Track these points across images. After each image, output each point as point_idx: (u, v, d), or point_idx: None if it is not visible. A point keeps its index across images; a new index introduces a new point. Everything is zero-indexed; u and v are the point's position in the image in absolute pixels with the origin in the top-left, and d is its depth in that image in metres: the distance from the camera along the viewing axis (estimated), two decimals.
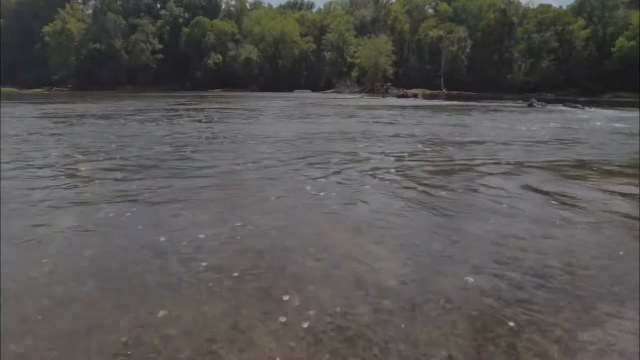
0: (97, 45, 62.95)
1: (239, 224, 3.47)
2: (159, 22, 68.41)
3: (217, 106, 21.52)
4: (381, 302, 2.26)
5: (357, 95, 42.67)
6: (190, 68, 64.66)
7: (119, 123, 12.37)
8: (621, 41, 46.60)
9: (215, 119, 13.99)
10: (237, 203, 4.14)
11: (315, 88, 57.68)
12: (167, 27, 68.62)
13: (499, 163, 6.27)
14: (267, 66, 63.65)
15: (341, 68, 60.16)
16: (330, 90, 55.79)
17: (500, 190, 4.64)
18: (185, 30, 66.35)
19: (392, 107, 22.21)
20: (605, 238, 3.27)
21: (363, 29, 64.05)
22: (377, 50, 55.18)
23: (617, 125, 13.24)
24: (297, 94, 47.74)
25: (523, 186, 4.84)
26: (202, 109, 18.83)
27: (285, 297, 2.32)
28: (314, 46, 63.71)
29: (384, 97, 37.53)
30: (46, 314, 2.15)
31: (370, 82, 55.93)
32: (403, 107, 21.75)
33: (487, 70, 54.72)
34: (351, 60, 60.01)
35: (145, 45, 63.58)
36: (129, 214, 3.74)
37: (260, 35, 63.89)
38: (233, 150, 7.39)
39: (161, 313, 2.16)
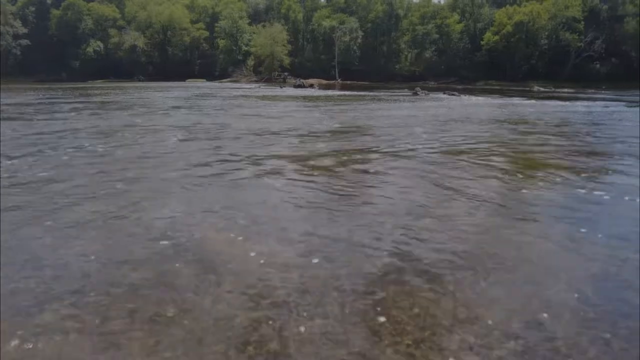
0: None
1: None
2: (20, 2, 59.61)
3: (83, 101, 19.39)
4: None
5: (254, 85, 41.92)
6: (66, 56, 57.70)
7: None
8: (488, 36, 52.36)
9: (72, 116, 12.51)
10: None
11: (210, 77, 55.43)
12: (32, 8, 60.10)
13: (393, 148, 6.48)
14: (155, 54, 59.44)
15: (236, 56, 58.58)
16: (226, 80, 54.09)
17: (393, 172, 4.75)
18: (56, 12, 58.78)
19: (291, 97, 22.16)
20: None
21: (257, 17, 63.04)
22: (272, 39, 54.80)
23: (489, 109, 14.78)
24: (190, 83, 45.38)
25: (409, 168, 5.02)
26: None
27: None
28: (206, 33, 61.00)
29: (281, 87, 37.38)
30: None
31: (268, 72, 55.50)
32: (299, 98, 21.83)
33: (378, 60, 57.59)
34: (246, 48, 58.75)
35: (4, 28, 54.97)
36: None
37: (146, 21, 59.26)
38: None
39: None
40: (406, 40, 58.04)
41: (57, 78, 53.88)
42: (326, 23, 57.71)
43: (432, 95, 25.20)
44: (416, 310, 2.15)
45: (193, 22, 61.41)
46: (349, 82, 50.38)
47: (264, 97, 21.40)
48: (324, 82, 49.53)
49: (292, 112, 13.38)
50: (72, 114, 12.33)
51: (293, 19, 61.57)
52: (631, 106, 18.58)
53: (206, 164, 5.49)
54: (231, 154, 6.15)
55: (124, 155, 6.08)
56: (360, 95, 24.09)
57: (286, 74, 54.46)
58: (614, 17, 51.80)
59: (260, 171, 5.16)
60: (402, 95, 25.25)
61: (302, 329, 2.00)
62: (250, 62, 58.52)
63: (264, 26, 57.39)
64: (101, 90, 28.93)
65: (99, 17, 59.38)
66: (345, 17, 57.98)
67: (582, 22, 49.79)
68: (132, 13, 60.71)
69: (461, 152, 6.49)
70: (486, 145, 7.23)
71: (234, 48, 58.67)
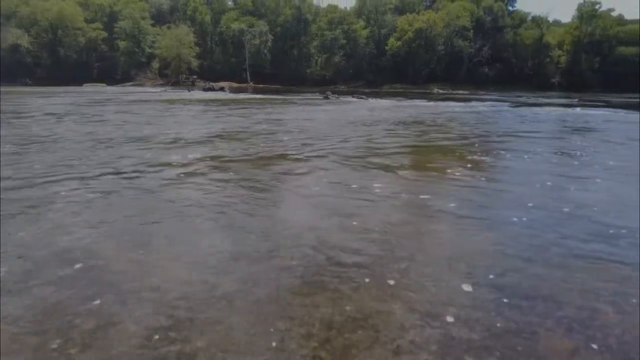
0: None
1: None
2: None
3: None
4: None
5: (159, 89, 39.75)
6: None
7: None
8: (391, 41, 55.51)
9: None
10: None
11: (111, 81, 51.36)
12: None
13: (302, 150, 6.46)
14: (44, 55, 53.52)
15: (139, 59, 55.10)
16: (129, 83, 50.62)
17: (305, 176, 4.71)
18: None
19: (198, 101, 21.31)
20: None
21: (161, 18, 59.93)
22: (178, 41, 52.57)
23: (392, 114, 15.58)
24: (89, 88, 41.55)
25: (315, 168, 5.03)
26: None
27: None
28: (104, 34, 56.42)
29: (189, 90, 35.93)
30: None
31: (175, 74, 53.09)
32: (207, 101, 21.10)
33: (289, 63, 58.05)
34: (150, 50, 55.55)
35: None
36: None
37: (30, 17, 53.03)
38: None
39: None
40: (315, 44, 59.27)
41: None
42: (235, 26, 56.77)
43: (342, 98, 26.00)
44: (325, 309, 2.12)
45: (88, 21, 56.35)
46: (261, 85, 50.11)
47: (168, 101, 20.33)
48: (236, 85, 48.68)
49: (197, 116, 12.86)
50: None
51: (200, 20, 59.59)
52: (513, 106, 20.93)
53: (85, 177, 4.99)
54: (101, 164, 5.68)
55: None
56: (272, 99, 24.04)
57: (195, 76, 52.58)
58: (496, 27, 58.12)
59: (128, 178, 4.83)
60: (314, 98, 25.68)
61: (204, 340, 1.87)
62: (156, 64, 55.47)
63: (169, 27, 54.76)
64: None
65: None
66: (254, 20, 57.53)
67: (471, 31, 55.07)
68: (11, 7, 53.79)
69: (369, 151, 6.71)
70: (392, 144, 7.58)
71: (137, 50, 55.10)
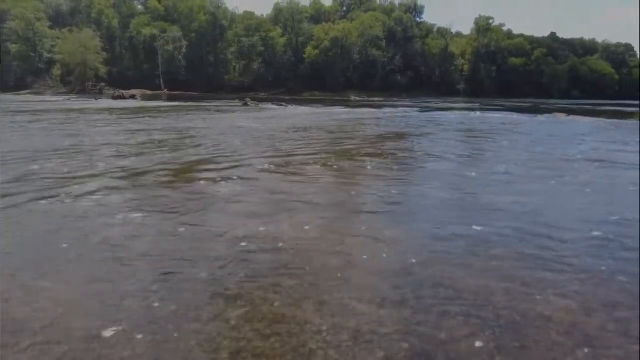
0: None
1: None
2: None
3: None
4: None
5: (62, 97, 36.43)
6: None
7: None
8: (309, 50, 56.60)
9: None
10: None
11: (2, 88, 45.93)
12: None
13: (222, 157, 6.22)
14: None
15: (37, 64, 50.05)
16: (24, 91, 45.69)
17: (224, 184, 4.50)
18: None
19: (102, 110, 19.80)
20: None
21: (60, 20, 55.03)
22: (82, 46, 48.63)
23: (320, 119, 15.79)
24: None
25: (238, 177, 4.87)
26: None
27: None
28: None
29: (97, 99, 33.40)
30: None
31: (80, 82, 48.95)
32: (111, 110, 19.71)
33: (206, 70, 56.54)
34: (49, 55, 50.71)
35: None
36: None
37: None
38: None
39: None
40: (233, 51, 58.44)
41: None
42: (146, 31, 54.01)
43: (262, 105, 25.85)
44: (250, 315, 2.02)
45: None
46: (177, 92, 48.10)
47: (66, 110, 18.63)
48: (149, 92, 46.28)
49: (100, 126, 11.93)
50: None
51: (107, 24, 55.77)
52: (422, 111, 22.40)
53: None
54: None
55: None
56: (186, 106, 23.14)
57: (103, 84, 49.00)
58: (406, 37, 61.91)
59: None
60: (233, 105, 25.23)
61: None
62: (57, 71, 50.75)
63: (70, 31, 50.44)
64: None
65: None
66: (167, 26, 55.19)
67: (384, 41, 58.05)
68: None
69: (289, 159, 6.69)
70: (311, 151, 7.64)
71: (32, 54, 49.99)
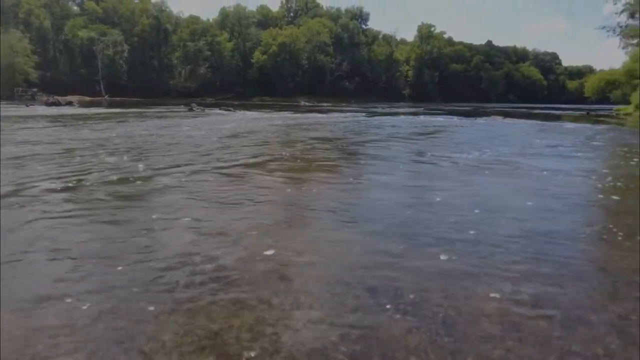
0: None
1: None
2: None
3: None
4: None
5: None
6: None
7: None
8: (257, 55, 56.19)
9: None
10: None
11: None
12: None
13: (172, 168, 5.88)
14: None
15: None
16: None
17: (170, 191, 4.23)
18: None
19: (35, 117, 18.39)
20: None
21: None
22: (9, 48, 45.18)
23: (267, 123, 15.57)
24: None
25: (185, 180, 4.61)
26: None
27: None
28: None
29: (27, 105, 31.02)
30: None
31: (8, 88, 45.28)
32: (40, 117, 18.40)
33: (149, 75, 54.46)
34: None
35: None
36: None
37: None
38: None
39: None
40: (178, 55, 56.77)
41: None
42: (83, 34, 51.14)
43: (208, 111, 25.24)
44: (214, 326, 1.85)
45: None
46: (118, 98, 45.88)
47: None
48: (88, 99, 43.79)
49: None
50: None
51: (37, 26, 52.20)
52: (369, 115, 22.86)
53: None
54: None
55: None
56: (128, 112, 22.06)
57: (35, 90, 45.69)
58: (353, 44, 63.16)
59: None
60: (178, 111, 24.40)
61: None
62: None
63: None
64: None
65: None
66: (106, 29, 52.58)
67: (332, 47, 58.85)
68: None
69: (235, 166, 6.49)
70: (260, 157, 7.48)
71: None
